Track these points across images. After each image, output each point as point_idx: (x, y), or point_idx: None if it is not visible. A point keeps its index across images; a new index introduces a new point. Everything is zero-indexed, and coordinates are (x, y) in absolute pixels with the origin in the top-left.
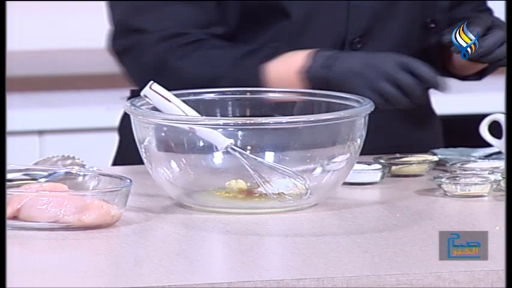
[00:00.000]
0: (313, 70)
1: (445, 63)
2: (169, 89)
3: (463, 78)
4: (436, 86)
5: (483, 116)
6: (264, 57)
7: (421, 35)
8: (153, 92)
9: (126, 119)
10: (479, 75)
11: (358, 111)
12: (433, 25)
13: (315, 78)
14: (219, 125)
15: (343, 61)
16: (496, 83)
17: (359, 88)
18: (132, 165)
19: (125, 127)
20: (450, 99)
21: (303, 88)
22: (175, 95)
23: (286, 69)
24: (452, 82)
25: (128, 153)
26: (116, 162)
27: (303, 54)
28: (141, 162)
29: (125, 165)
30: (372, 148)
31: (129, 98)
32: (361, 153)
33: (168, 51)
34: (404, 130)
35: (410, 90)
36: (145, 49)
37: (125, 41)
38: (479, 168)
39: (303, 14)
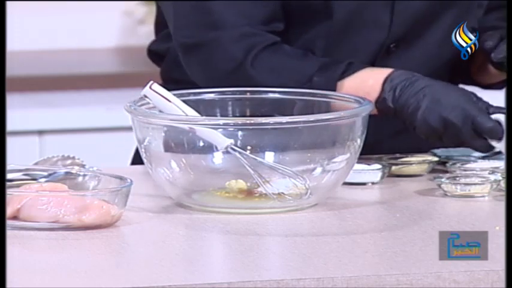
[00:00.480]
0: (385, 106)
1: (472, 71)
2: None
3: (487, 86)
4: (497, 138)
5: None
6: (339, 74)
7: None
8: (153, 92)
9: None
10: (502, 84)
11: (358, 111)
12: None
13: (384, 110)
14: (219, 125)
15: (413, 100)
16: None
17: (424, 130)
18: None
19: None
20: None
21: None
22: (175, 95)
23: (360, 91)
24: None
25: None
26: (134, 162)
27: (378, 82)
28: None
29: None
30: (369, 153)
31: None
32: (361, 154)
33: (244, 54)
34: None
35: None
36: (220, 47)
37: (197, 35)
38: (479, 168)
39: (346, 15)
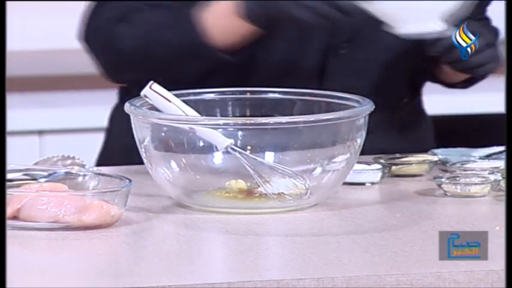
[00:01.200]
0: (251, 11)
1: (434, 70)
2: (123, 62)
3: (451, 85)
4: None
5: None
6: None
7: (411, 43)
8: (153, 92)
9: (112, 118)
10: (466, 84)
11: (358, 111)
12: None
13: (255, 18)
14: (219, 125)
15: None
16: (496, 83)
17: (299, 13)
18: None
19: (111, 124)
20: (450, 100)
21: (243, 26)
22: (175, 95)
23: (222, 11)
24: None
25: (112, 153)
26: (99, 163)
27: None
28: (126, 163)
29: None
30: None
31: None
32: (360, 154)
33: (114, 24)
34: (394, 131)
35: (348, 9)
36: (98, 31)
37: (84, 32)
38: (479, 168)
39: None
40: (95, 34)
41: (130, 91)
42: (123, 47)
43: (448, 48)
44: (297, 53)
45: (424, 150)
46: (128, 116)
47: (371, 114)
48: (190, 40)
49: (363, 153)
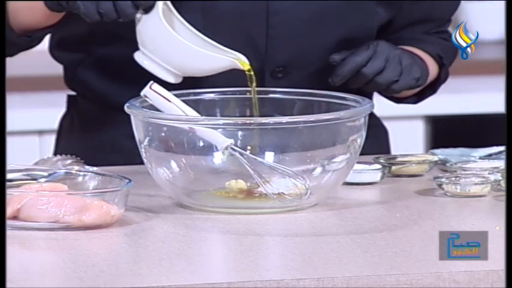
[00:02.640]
0: None
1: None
2: None
3: (399, 101)
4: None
5: (483, 116)
6: None
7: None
8: (153, 92)
9: (62, 123)
10: (415, 99)
11: (358, 111)
12: None
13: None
14: (219, 125)
15: None
16: (496, 83)
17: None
18: None
19: (60, 132)
20: (450, 100)
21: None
22: (175, 95)
23: None
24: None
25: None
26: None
27: None
28: None
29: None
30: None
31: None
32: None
33: None
34: None
35: (122, 11)
36: None
37: None
38: (479, 168)
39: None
40: None
41: (77, 100)
42: None
43: (350, 73)
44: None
45: (380, 154)
46: (75, 125)
47: None
48: None
49: None
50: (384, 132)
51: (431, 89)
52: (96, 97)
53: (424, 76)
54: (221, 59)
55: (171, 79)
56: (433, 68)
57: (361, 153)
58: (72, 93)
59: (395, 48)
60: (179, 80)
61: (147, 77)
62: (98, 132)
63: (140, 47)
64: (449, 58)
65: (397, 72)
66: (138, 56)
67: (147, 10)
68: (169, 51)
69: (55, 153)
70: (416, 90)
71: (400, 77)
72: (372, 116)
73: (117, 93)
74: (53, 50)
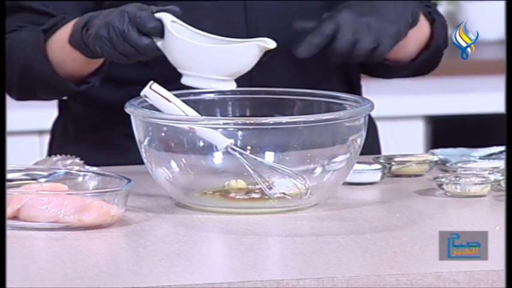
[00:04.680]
0: (72, 38)
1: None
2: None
3: (392, 74)
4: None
5: (483, 116)
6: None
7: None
8: (153, 92)
9: (55, 127)
10: (409, 71)
11: (358, 111)
12: None
13: (75, 47)
14: (219, 125)
15: (93, 25)
16: (496, 83)
17: (104, 51)
18: None
19: (53, 135)
20: (450, 100)
21: (80, 55)
22: (175, 95)
23: (63, 39)
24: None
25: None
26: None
27: (74, 21)
28: None
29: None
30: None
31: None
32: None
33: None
34: None
35: (139, 47)
36: None
37: None
38: (479, 168)
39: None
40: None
41: (68, 105)
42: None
43: (316, 47)
44: None
45: (372, 152)
46: (67, 129)
47: None
48: (36, 67)
49: None
50: (374, 127)
51: (426, 48)
52: (87, 99)
53: (414, 12)
54: (251, 45)
55: (224, 86)
56: (422, 20)
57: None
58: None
59: (360, 15)
60: (233, 86)
61: (135, 77)
62: (92, 133)
63: (179, 70)
64: (437, 18)
65: (371, 38)
66: (184, 80)
67: (155, 33)
68: (202, 60)
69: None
70: (412, 51)
71: (379, 41)
72: None
73: (109, 94)
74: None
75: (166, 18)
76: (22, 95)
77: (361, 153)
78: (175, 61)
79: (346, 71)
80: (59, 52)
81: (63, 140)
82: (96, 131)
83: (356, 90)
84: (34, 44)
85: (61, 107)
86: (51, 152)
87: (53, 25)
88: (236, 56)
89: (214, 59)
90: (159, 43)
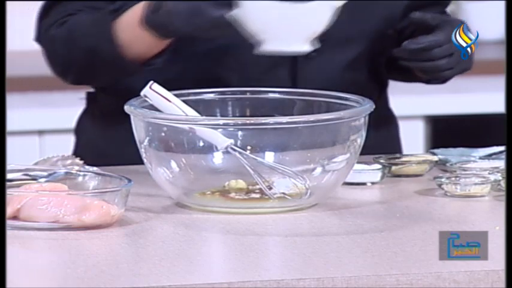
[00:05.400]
0: (147, 18)
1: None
2: (56, 64)
3: (428, 81)
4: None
5: (483, 116)
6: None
7: (383, 40)
8: (153, 92)
9: (81, 121)
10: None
11: (358, 111)
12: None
13: (150, 26)
14: (219, 125)
15: (166, 4)
16: (496, 83)
17: (179, 27)
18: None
19: (81, 129)
20: (450, 100)
21: (147, 35)
22: (175, 95)
23: (132, 20)
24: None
25: (84, 155)
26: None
27: (141, 4)
28: (97, 164)
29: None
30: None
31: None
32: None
33: (53, 26)
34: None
35: (220, 22)
36: (43, 34)
37: (36, 36)
38: (479, 168)
39: None
40: (43, 37)
41: (96, 97)
42: (54, 50)
43: (416, 54)
44: (269, 59)
45: (394, 150)
46: (96, 121)
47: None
48: (105, 47)
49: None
50: (396, 126)
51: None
52: (118, 90)
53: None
54: (325, 3)
55: (306, 47)
56: None
57: (373, 146)
58: (91, 90)
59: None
60: (316, 45)
61: (166, 65)
62: (122, 125)
63: (257, 37)
64: None
65: (457, 59)
66: (265, 46)
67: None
68: (281, 22)
69: (75, 152)
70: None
71: (454, 69)
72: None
73: (140, 83)
74: None
75: None
76: (80, 78)
77: (382, 153)
78: (254, 27)
79: (378, 73)
80: (127, 33)
81: (91, 132)
82: (125, 123)
83: (384, 94)
84: (101, 26)
85: (89, 100)
86: (79, 145)
87: (120, 7)
88: (313, 14)
89: (293, 19)
90: (233, 13)
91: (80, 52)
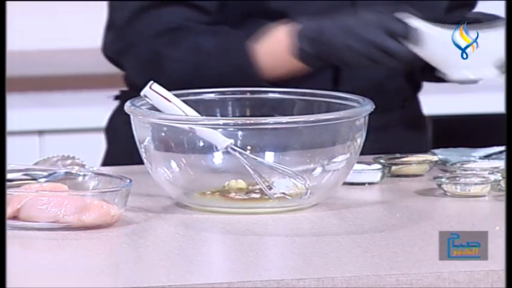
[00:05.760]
0: (304, 52)
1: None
2: (167, 83)
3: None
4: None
5: (483, 116)
6: (249, 38)
7: None
8: (153, 92)
9: (114, 119)
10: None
11: (358, 111)
12: None
13: (307, 59)
14: (219, 125)
15: (329, 36)
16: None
17: (350, 59)
18: (121, 165)
19: (113, 129)
20: (450, 100)
21: (294, 63)
22: (175, 95)
23: (276, 49)
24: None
25: (117, 154)
26: (105, 164)
27: (285, 31)
28: (131, 163)
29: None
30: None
31: (116, 98)
32: (361, 154)
33: (161, 42)
34: (395, 132)
35: (399, 55)
36: (141, 45)
37: (121, 42)
38: (479, 168)
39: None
40: (133, 48)
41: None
42: (171, 71)
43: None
44: None
45: (423, 151)
46: (130, 120)
47: (373, 114)
48: (240, 72)
49: (362, 153)
50: (424, 126)
51: None
52: None
53: None
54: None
55: (495, 73)
56: None
57: (402, 145)
58: (124, 88)
59: None
60: (504, 70)
61: None
62: None
63: (444, 70)
64: None
65: None
66: (458, 75)
67: (409, 38)
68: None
69: (108, 151)
70: None
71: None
72: (417, 108)
73: None
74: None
75: (413, 21)
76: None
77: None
78: (437, 58)
79: (414, 79)
80: (269, 59)
81: (126, 132)
82: None
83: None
84: (238, 52)
85: (123, 99)
86: (112, 144)
87: (253, 31)
88: (495, 40)
89: (482, 47)
90: (414, 47)
91: (207, 77)
